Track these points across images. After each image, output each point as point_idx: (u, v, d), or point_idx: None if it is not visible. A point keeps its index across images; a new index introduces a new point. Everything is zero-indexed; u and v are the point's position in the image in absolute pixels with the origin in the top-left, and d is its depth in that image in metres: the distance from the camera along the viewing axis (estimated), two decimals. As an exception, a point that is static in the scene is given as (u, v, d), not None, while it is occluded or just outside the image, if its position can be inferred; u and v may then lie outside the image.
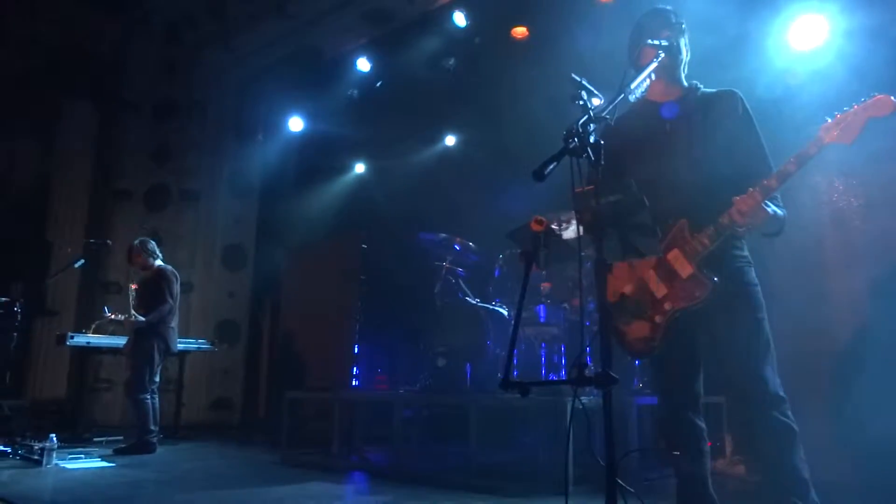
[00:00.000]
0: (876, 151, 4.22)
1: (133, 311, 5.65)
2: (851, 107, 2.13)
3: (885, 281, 4.31)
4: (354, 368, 6.57)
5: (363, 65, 6.92)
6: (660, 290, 2.34)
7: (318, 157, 8.17)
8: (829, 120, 2.15)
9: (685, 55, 2.53)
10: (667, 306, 2.31)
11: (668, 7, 2.57)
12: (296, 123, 7.93)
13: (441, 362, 4.96)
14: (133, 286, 5.93)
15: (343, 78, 7.32)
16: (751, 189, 2.18)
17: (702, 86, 2.55)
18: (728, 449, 4.65)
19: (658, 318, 2.32)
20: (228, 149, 8.89)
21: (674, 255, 2.32)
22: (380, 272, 6.80)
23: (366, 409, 5.53)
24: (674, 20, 2.51)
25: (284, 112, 7.95)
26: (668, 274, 2.32)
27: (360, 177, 8.17)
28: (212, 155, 8.80)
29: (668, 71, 2.48)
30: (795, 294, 4.25)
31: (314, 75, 7.70)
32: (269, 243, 8.57)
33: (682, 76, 2.56)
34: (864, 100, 2.11)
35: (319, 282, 7.06)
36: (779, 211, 2.27)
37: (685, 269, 2.28)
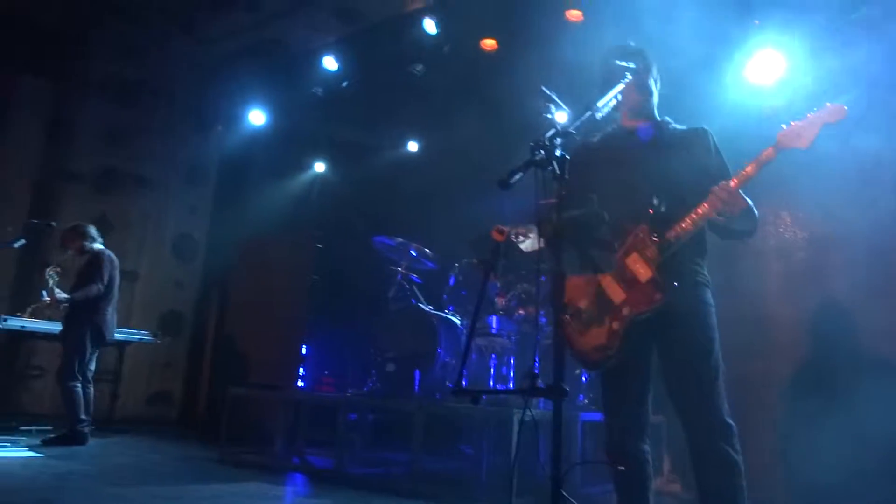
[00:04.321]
0: (824, 189, 4.40)
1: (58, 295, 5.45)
2: (806, 115, 2.22)
3: (824, 313, 4.48)
4: (301, 368, 6.48)
5: (330, 63, 6.84)
6: (618, 296, 2.32)
7: (277, 153, 8.05)
8: (786, 126, 2.24)
9: (654, 88, 2.58)
10: (625, 311, 2.29)
11: (640, 45, 2.63)
12: (257, 116, 7.78)
13: (390, 367, 4.92)
14: (52, 269, 5.70)
15: (309, 74, 7.22)
16: (732, 176, 2.24)
17: (672, 121, 2.61)
18: (666, 467, 4.74)
19: (616, 325, 2.30)
20: (187, 137, 8.67)
21: (633, 260, 2.31)
22: (333, 273, 6.74)
23: (310, 410, 5.44)
24: (646, 55, 2.57)
25: (246, 104, 7.80)
26: (628, 279, 2.32)
27: (319, 175, 8.07)
28: (169, 142, 8.56)
29: (638, 106, 2.54)
30: (740, 320, 4.37)
31: (279, 69, 7.58)
32: (222, 235, 8.38)
33: (655, 110, 2.62)
34: (818, 108, 2.21)
35: (271, 278, 6.95)
36: (755, 208, 2.31)
37: (644, 274, 2.28)
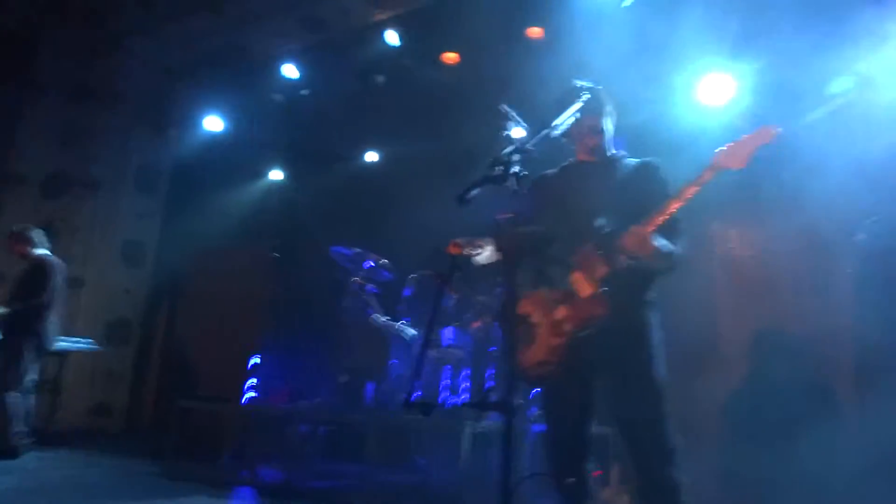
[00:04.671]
0: (768, 207, 4.57)
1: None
2: (741, 136, 2.32)
3: (768, 329, 4.63)
4: (253, 379, 6.35)
5: (290, 71, 6.80)
6: (560, 312, 2.36)
7: (234, 159, 7.92)
8: (723, 147, 2.33)
9: (610, 128, 2.67)
10: (567, 327, 2.33)
11: (593, 84, 2.70)
12: (214, 122, 7.66)
13: (343, 378, 4.88)
14: None
15: (268, 82, 7.15)
16: (642, 221, 2.28)
17: (626, 154, 2.69)
18: (614, 479, 4.80)
19: (556, 340, 2.34)
20: (140, 141, 8.44)
21: (577, 277, 2.36)
22: (289, 283, 6.65)
23: (261, 422, 5.34)
24: (599, 94, 2.63)
25: (203, 109, 7.67)
26: (570, 295, 2.37)
27: (277, 183, 7.98)
28: (121, 145, 8.32)
29: (592, 142, 2.61)
30: (689, 337, 4.48)
31: (239, 75, 7.49)
32: (173, 242, 8.18)
33: (608, 147, 2.69)
34: (753, 130, 2.31)
35: (224, 287, 6.81)
36: (668, 246, 2.34)
37: (586, 290, 2.33)
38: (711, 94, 4.96)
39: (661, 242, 2.29)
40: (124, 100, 8.36)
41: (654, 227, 2.26)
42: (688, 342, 4.40)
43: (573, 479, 2.38)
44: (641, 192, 2.50)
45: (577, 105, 2.39)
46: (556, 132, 2.32)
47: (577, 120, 2.41)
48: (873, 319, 3.98)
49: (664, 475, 2.25)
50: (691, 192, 2.29)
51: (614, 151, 2.70)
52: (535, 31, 5.43)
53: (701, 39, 4.67)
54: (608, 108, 2.66)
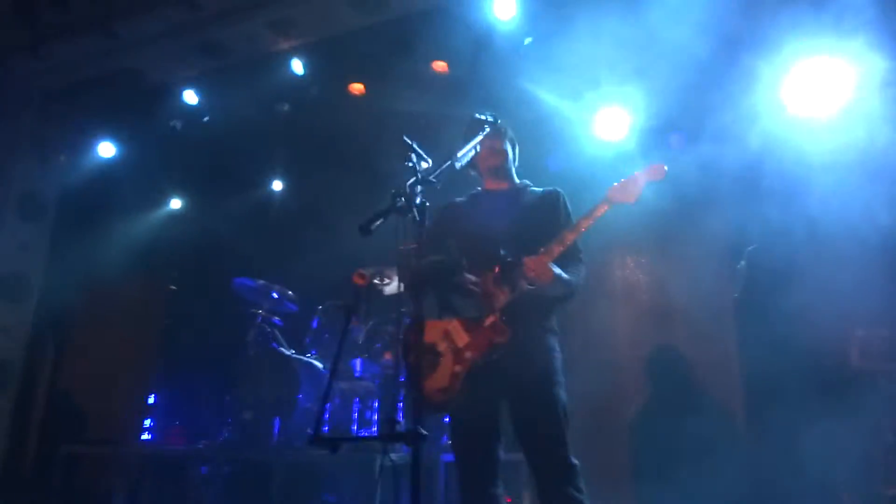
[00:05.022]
0: (664, 234, 4.83)
1: None
2: (633, 173, 2.48)
3: (664, 353, 4.86)
4: (148, 420, 6.01)
5: (190, 97, 6.59)
6: (462, 339, 2.42)
7: (129, 188, 7.54)
8: (616, 183, 2.48)
9: (511, 154, 2.78)
10: (467, 355, 2.38)
11: (492, 115, 2.80)
12: (107, 148, 7.28)
13: (247, 415, 4.70)
14: None
15: (166, 107, 6.90)
16: (542, 249, 2.38)
17: (531, 184, 2.81)
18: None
19: (458, 368, 2.38)
20: (23, 166, 7.89)
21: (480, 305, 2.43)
22: (188, 317, 6.38)
23: (157, 465, 5.03)
24: (499, 126, 2.74)
25: (95, 134, 7.28)
26: (472, 323, 2.42)
27: (174, 213, 7.66)
28: (1, 171, 7.76)
29: (497, 170, 2.75)
30: (588, 364, 4.62)
31: (134, 100, 7.17)
32: (60, 276, 7.65)
33: (514, 172, 2.81)
34: (645, 166, 2.48)
35: (117, 322, 6.45)
36: (565, 275, 2.45)
37: (488, 318, 2.39)
38: (607, 128, 5.15)
39: (559, 271, 2.39)
40: (5, 122, 7.82)
41: (553, 257, 2.36)
42: (590, 368, 4.56)
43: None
44: (546, 220, 2.61)
45: (479, 138, 2.47)
46: (459, 164, 2.38)
47: (479, 143, 2.49)
48: (754, 347, 4.27)
49: (567, 494, 2.31)
50: (586, 224, 2.41)
51: (518, 181, 2.80)
52: (439, 65, 5.55)
53: (597, 73, 4.89)
54: (510, 134, 2.77)
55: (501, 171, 2.76)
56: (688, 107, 4.78)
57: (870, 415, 3.81)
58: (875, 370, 3.95)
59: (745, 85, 4.46)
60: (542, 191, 2.80)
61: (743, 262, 4.55)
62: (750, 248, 4.51)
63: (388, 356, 4.80)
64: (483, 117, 2.57)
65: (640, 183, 2.46)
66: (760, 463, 4.01)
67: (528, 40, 5.11)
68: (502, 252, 2.44)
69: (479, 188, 2.86)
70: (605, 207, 2.45)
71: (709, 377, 4.63)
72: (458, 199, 2.81)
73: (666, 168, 2.46)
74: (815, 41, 4.14)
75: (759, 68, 4.39)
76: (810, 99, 4.32)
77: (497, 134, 2.68)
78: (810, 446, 3.76)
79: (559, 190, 2.79)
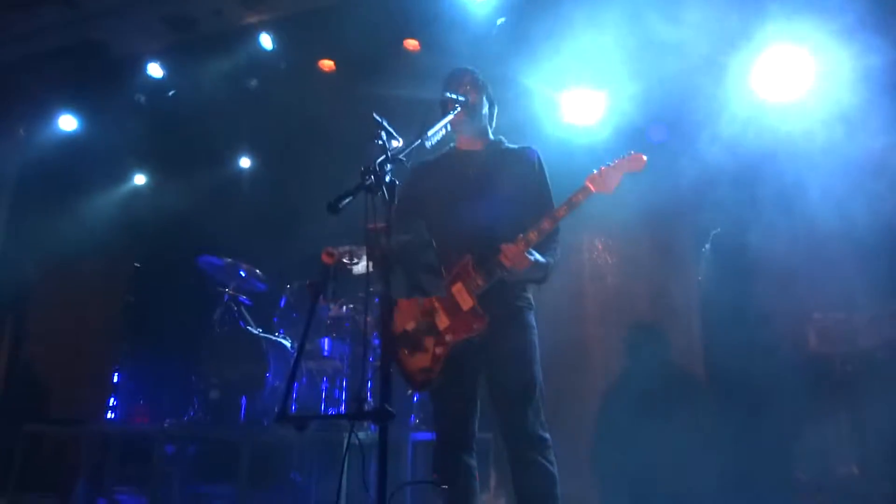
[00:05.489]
0: (629, 217, 4.89)
1: None
2: (613, 161, 2.48)
3: (630, 332, 4.95)
4: (112, 399, 5.93)
5: (155, 70, 6.43)
6: (442, 322, 2.46)
7: (91, 163, 7.35)
8: (595, 172, 2.48)
9: (486, 110, 2.75)
10: (448, 338, 2.43)
11: (473, 68, 2.80)
12: (68, 122, 7.08)
13: (214, 394, 4.67)
14: None
15: (131, 81, 6.73)
16: (520, 236, 2.40)
17: (506, 141, 2.80)
18: (492, 483, 4.93)
19: (438, 350, 2.43)
20: (-22, 140, 7.65)
21: (457, 289, 2.47)
22: (153, 294, 6.28)
23: (122, 444, 4.97)
24: (478, 79, 2.73)
25: (56, 107, 7.07)
26: (452, 306, 2.45)
27: (139, 189, 7.50)
28: (-44, 144, 7.51)
29: (470, 125, 2.69)
30: (558, 341, 4.69)
31: (97, 73, 6.97)
32: (20, 252, 7.45)
33: (489, 130, 2.80)
34: (624, 155, 2.47)
35: (80, 300, 6.33)
36: (542, 259, 2.48)
37: (466, 303, 2.44)
38: (579, 112, 5.14)
39: (535, 256, 2.41)
40: (-40, 94, 7.55)
41: (530, 245, 2.38)
42: (560, 347, 4.63)
43: (447, 486, 2.44)
44: (521, 179, 2.61)
45: (450, 117, 2.46)
46: (430, 142, 2.38)
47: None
48: (717, 330, 4.37)
49: (537, 461, 2.37)
50: (562, 212, 2.42)
51: (492, 138, 2.81)
52: (411, 44, 5.50)
53: (574, 54, 4.88)
54: (488, 90, 2.76)
55: (477, 132, 2.75)
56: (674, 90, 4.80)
57: (826, 397, 3.95)
58: (832, 353, 4.08)
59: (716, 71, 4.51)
60: (518, 148, 2.78)
61: (707, 246, 4.63)
62: (714, 232, 4.60)
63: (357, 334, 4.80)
64: (454, 97, 2.56)
65: (618, 173, 2.46)
66: (723, 445, 4.12)
67: (500, 20, 5.10)
68: (479, 222, 2.47)
69: (452, 145, 2.83)
70: (583, 196, 2.46)
71: (672, 364, 4.72)
72: (429, 159, 2.79)
73: (646, 158, 2.46)
74: (784, 28, 4.21)
75: (729, 56, 4.45)
76: (778, 84, 4.44)
77: (473, 92, 2.67)
78: (769, 426, 3.89)
79: (534, 149, 2.77)
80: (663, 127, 4.79)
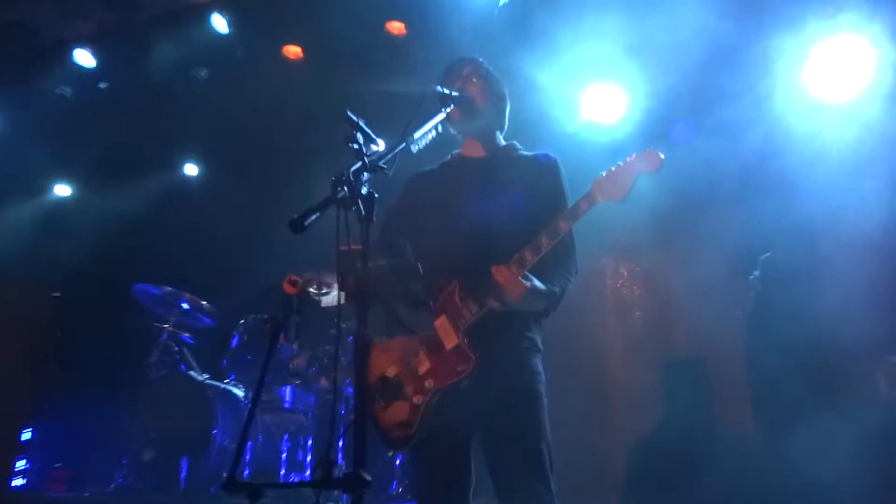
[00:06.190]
0: (663, 237, 4.91)
1: None
2: (624, 160, 2.43)
3: (662, 378, 4.94)
4: (22, 461, 5.87)
5: (84, 58, 6.45)
6: (422, 365, 2.41)
7: (4, 169, 7.35)
8: (602, 175, 2.43)
9: (492, 107, 2.76)
10: (427, 384, 2.37)
11: (477, 57, 2.82)
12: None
13: (148, 455, 4.65)
14: None
15: (54, 70, 6.76)
16: (514, 256, 2.36)
17: (520, 146, 2.80)
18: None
19: (417, 399, 2.37)
20: None
21: (441, 323, 2.42)
22: (76, 331, 6.25)
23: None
24: (481, 71, 2.75)
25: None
26: (434, 345, 2.41)
27: (61, 202, 7.50)
28: None
29: (469, 126, 2.71)
30: (572, 389, 4.67)
31: (13, 61, 7.00)
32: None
33: (496, 133, 2.81)
34: (636, 153, 2.42)
35: (-16, 337, 6.25)
36: (541, 286, 2.42)
37: (450, 340, 2.38)
38: (598, 110, 5.21)
39: (533, 282, 2.37)
40: None
41: (525, 267, 2.35)
42: (575, 398, 4.61)
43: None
44: (534, 196, 2.59)
45: (441, 116, 2.46)
46: (416, 146, 2.37)
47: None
48: (768, 369, 4.36)
49: None
50: (563, 226, 2.38)
51: (502, 144, 2.81)
52: (396, 27, 5.54)
53: (589, 44, 4.94)
54: (495, 86, 2.77)
55: (483, 135, 2.76)
56: (695, 89, 4.85)
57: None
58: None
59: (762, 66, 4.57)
60: (533, 155, 2.78)
61: (756, 273, 4.65)
62: (764, 256, 4.62)
63: (324, 383, 4.78)
64: (447, 91, 2.56)
65: (630, 175, 2.40)
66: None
67: (502, 1, 5.15)
68: (466, 258, 2.44)
69: (456, 151, 2.84)
70: (588, 205, 2.40)
71: (715, 401, 4.71)
72: (428, 169, 2.80)
73: (662, 156, 2.40)
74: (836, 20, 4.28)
75: (778, 48, 4.50)
76: (831, 82, 4.48)
77: (476, 78, 2.69)
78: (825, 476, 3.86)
79: (552, 155, 2.76)
80: (692, 126, 4.84)
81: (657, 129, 4.91)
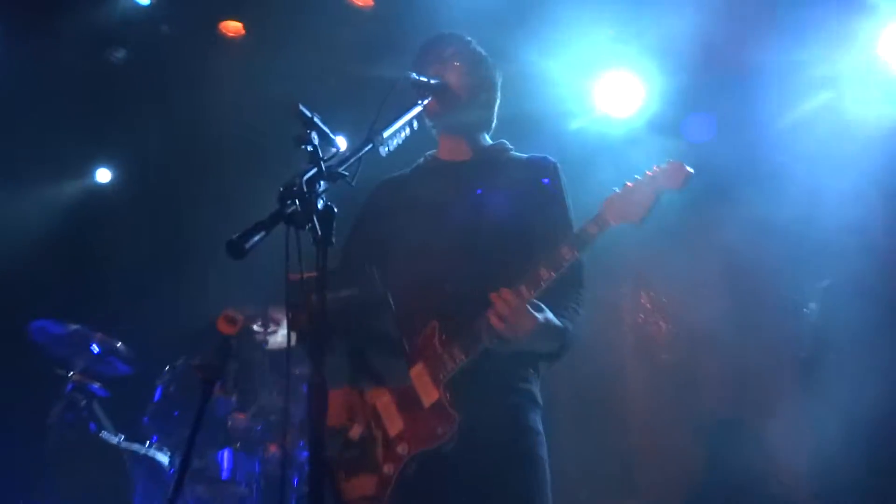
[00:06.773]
0: (692, 261, 4.95)
1: None
2: (639, 177, 2.39)
3: (697, 441, 4.96)
4: None
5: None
6: (394, 426, 2.39)
7: None
8: (616, 191, 2.41)
9: (480, 99, 2.78)
10: (400, 449, 2.36)
11: (463, 35, 2.85)
12: None
13: (47, 538, 4.64)
14: None
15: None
16: (514, 289, 2.33)
17: (512, 147, 2.82)
18: None
19: (388, 468, 2.36)
20: None
21: (417, 373, 2.40)
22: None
23: None
24: (468, 52, 2.78)
25: None
26: (408, 400, 2.40)
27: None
28: None
29: (449, 121, 2.73)
30: (585, 437, 4.69)
31: None
32: None
33: (482, 131, 2.85)
34: (657, 166, 2.39)
35: None
36: (556, 321, 2.39)
37: (429, 395, 2.37)
38: (613, 101, 5.32)
39: (546, 315, 2.36)
40: None
41: (526, 299, 2.33)
42: (586, 462, 4.62)
43: None
44: (528, 207, 2.61)
45: (417, 109, 2.48)
46: (386, 148, 2.39)
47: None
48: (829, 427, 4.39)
49: None
50: (568, 254, 2.35)
51: (489, 144, 2.83)
52: (363, -2, 5.61)
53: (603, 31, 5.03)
54: (485, 72, 2.80)
55: (467, 133, 2.77)
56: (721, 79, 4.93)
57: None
58: None
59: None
60: (528, 158, 2.80)
61: (812, 305, 4.67)
62: (824, 285, 4.64)
63: (272, 448, 4.77)
64: (424, 79, 2.58)
65: (650, 193, 2.36)
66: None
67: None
68: (450, 287, 2.45)
69: (430, 153, 2.85)
70: (598, 230, 2.38)
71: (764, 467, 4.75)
72: (397, 175, 2.83)
73: (691, 170, 2.37)
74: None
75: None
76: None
77: (460, 61, 2.72)
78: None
79: (550, 159, 2.78)
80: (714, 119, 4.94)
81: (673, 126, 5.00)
